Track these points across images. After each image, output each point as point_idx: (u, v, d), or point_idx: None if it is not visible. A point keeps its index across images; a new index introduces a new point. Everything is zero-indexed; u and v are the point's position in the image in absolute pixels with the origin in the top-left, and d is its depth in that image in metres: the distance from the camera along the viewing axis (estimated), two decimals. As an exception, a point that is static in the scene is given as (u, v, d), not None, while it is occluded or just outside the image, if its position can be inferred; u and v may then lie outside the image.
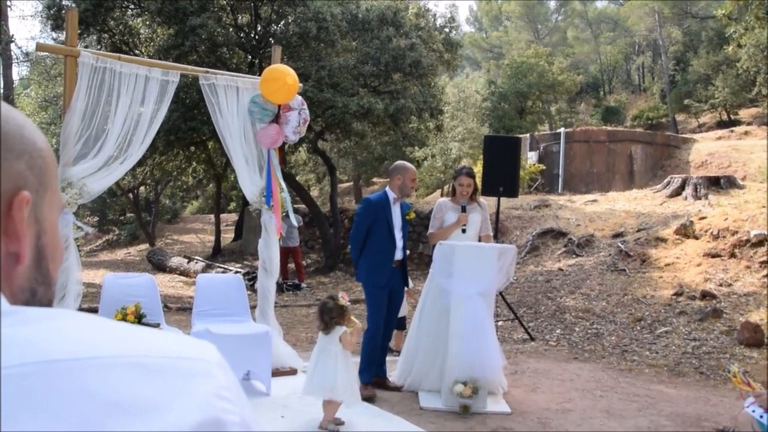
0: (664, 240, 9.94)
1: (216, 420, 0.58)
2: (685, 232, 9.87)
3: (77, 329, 0.59)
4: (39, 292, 0.68)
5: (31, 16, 44.20)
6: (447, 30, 15.86)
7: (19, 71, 24.77)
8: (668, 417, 5.03)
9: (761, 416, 2.59)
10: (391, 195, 5.60)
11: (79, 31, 5.39)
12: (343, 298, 4.42)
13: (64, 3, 12.60)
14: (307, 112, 5.87)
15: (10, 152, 0.62)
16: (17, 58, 18.51)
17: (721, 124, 27.85)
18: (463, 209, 5.71)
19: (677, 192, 12.93)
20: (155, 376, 0.57)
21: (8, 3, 14.98)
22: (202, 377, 0.60)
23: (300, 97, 5.81)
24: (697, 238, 9.69)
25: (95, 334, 0.59)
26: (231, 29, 13.55)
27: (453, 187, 5.96)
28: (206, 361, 0.62)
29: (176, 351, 0.60)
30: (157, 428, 0.53)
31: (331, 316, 4.38)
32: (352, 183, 28.95)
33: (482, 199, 6.19)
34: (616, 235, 10.89)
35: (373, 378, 5.49)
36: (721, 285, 8.29)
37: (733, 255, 8.85)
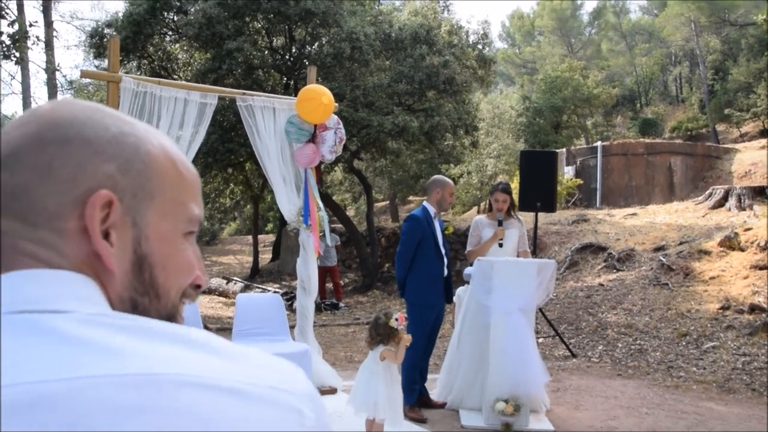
0: (707, 252, 9.69)
1: None
2: (730, 243, 9.61)
3: (177, 343, 0.59)
4: (141, 304, 0.67)
5: (75, 45, 45.67)
6: (480, 46, 15.86)
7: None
8: (719, 435, 4.88)
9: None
10: (432, 210, 5.54)
11: (119, 58, 5.53)
12: (399, 321, 4.28)
13: (105, 32, 12.99)
14: (343, 131, 5.91)
15: (99, 155, 0.64)
16: (62, 86, 19.10)
17: (764, 133, 27.12)
18: (500, 223, 5.68)
19: (720, 203, 12.64)
20: (249, 406, 0.56)
21: (54, 34, 15.51)
22: (290, 413, 0.58)
23: (336, 117, 5.86)
24: (742, 249, 9.43)
25: (193, 350, 0.58)
26: (266, 52, 13.77)
27: (489, 204, 5.94)
28: (296, 395, 0.60)
29: (273, 380, 0.60)
30: None
31: (377, 332, 4.33)
32: (388, 202, 28.97)
33: (520, 214, 6.14)
34: (658, 249, 10.66)
35: (417, 397, 5.40)
36: (770, 298, 8.04)
37: (781, 267, 8.58)
